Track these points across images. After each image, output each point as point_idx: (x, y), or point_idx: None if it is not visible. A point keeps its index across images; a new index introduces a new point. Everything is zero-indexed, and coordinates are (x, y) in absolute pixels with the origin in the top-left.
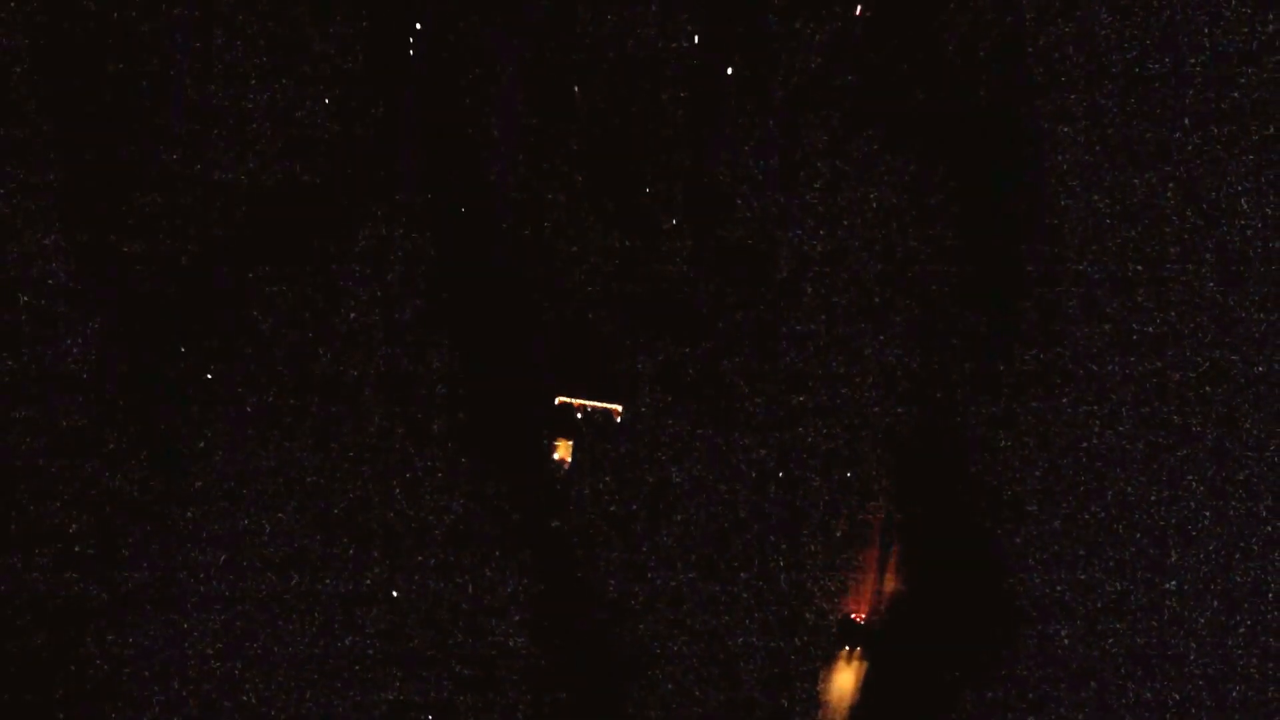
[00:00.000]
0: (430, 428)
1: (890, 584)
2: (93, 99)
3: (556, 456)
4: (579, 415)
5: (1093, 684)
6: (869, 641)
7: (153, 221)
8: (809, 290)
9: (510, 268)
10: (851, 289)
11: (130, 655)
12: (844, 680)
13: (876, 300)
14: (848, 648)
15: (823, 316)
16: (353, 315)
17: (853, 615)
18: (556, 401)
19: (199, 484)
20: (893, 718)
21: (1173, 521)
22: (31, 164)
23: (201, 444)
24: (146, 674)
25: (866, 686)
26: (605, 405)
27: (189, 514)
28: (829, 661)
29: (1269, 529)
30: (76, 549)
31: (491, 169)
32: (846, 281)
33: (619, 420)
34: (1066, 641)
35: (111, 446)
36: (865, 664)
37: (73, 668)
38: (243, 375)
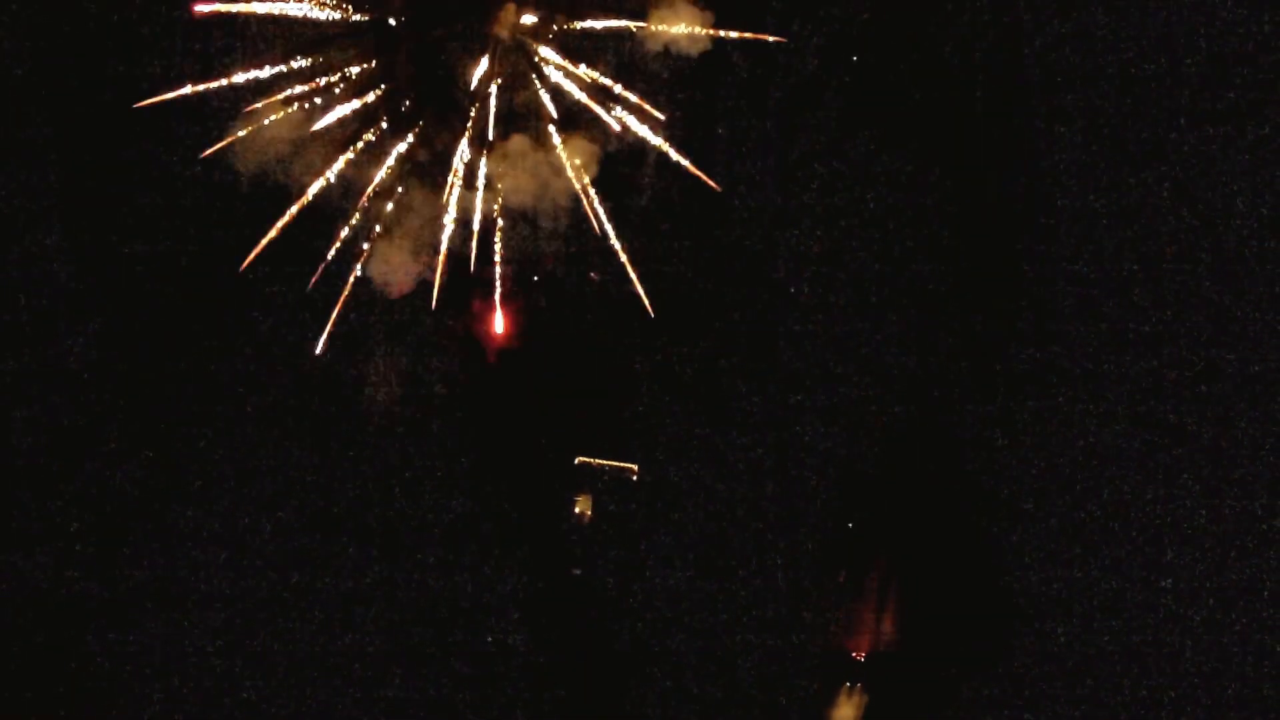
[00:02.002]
0: (430, 428)
1: (889, 623)
2: (93, 100)
3: (577, 510)
4: (597, 473)
5: (1089, 680)
6: (868, 677)
7: (153, 221)
8: (807, 290)
9: (512, 267)
10: (849, 289)
11: (131, 652)
12: (845, 715)
13: (873, 300)
14: (848, 683)
15: (820, 316)
16: (353, 315)
17: (853, 654)
18: (576, 461)
19: (199, 483)
20: None
21: (1168, 520)
22: (32, 164)
23: (201, 443)
24: (148, 670)
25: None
26: (623, 464)
27: (189, 513)
28: (831, 692)
29: (1264, 527)
30: (77, 547)
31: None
32: (844, 281)
33: (635, 478)
34: (1063, 638)
35: (112, 446)
36: (865, 698)
37: (74, 664)
38: (243, 375)
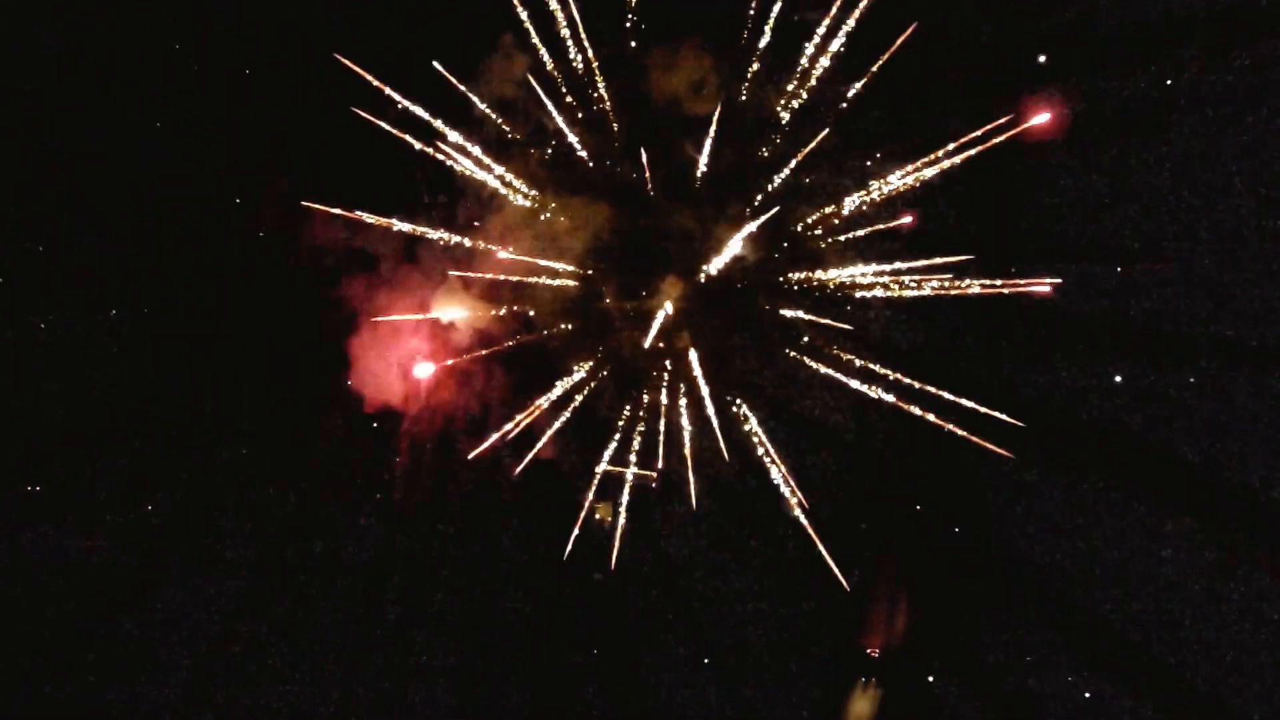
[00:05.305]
0: (446, 412)
1: (902, 620)
2: (97, 104)
3: (597, 517)
4: (620, 481)
5: (1091, 648)
6: (884, 674)
7: (163, 226)
8: (814, 269)
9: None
10: (855, 266)
11: (159, 618)
12: (861, 710)
13: (880, 278)
14: (863, 679)
15: (827, 294)
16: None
17: (868, 651)
18: (599, 469)
19: (226, 454)
20: None
21: (1169, 492)
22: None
23: (230, 415)
24: (174, 637)
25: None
26: (644, 472)
27: (215, 482)
28: (846, 688)
29: (1263, 499)
30: (108, 517)
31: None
32: (851, 259)
33: (655, 486)
34: (1064, 608)
35: (142, 417)
36: (880, 693)
37: (105, 629)
38: (268, 353)
